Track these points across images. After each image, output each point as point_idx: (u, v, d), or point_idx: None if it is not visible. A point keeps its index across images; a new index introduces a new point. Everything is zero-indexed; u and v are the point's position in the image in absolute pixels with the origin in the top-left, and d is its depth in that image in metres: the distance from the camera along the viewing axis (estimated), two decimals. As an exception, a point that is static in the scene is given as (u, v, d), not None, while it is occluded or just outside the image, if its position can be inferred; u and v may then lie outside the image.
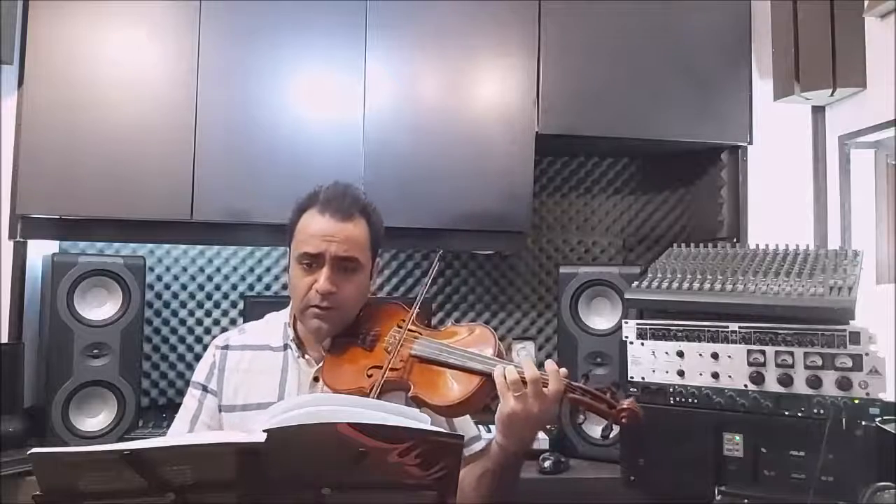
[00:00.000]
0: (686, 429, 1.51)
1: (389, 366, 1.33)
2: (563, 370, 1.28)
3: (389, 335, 1.41)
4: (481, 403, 1.31)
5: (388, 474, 0.94)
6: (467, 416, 1.46)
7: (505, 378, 1.24)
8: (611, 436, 1.37)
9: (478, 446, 1.46)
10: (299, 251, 1.39)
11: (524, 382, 1.24)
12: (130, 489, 0.89)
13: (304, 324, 1.43)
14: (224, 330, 2.29)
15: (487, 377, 1.28)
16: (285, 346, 1.46)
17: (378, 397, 1.27)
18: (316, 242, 1.37)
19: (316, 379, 1.41)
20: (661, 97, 2.31)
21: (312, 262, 1.38)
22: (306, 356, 1.44)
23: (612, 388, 1.31)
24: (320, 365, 1.41)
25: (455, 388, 1.30)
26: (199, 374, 1.46)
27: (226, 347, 1.47)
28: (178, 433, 1.41)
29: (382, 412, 1.03)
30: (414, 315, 1.40)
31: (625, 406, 1.27)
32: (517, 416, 1.24)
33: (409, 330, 1.39)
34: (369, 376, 1.35)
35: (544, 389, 1.24)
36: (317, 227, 1.39)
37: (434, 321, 2.56)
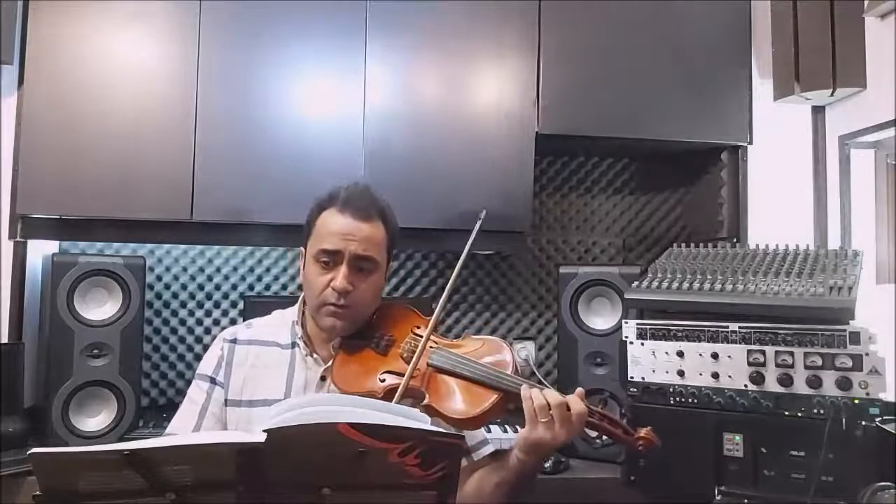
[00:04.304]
0: (686, 429, 1.51)
1: (410, 374, 1.31)
2: (579, 391, 1.29)
3: (405, 341, 1.41)
4: (496, 418, 1.31)
5: (388, 474, 0.94)
6: None
7: (533, 405, 1.25)
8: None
9: (486, 450, 1.46)
10: (318, 248, 1.40)
11: (549, 406, 1.24)
12: (130, 489, 0.89)
13: (319, 322, 1.42)
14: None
15: (504, 393, 1.28)
16: (293, 344, 1.45)
17: None
18: (335, 240, 1.38)
19: (323, 378, 1.41)
20: (661, 97, 2.31)
21: (330, 259, 1.39)
22: (314, 355, 1.44)
23: (623, 415, 1.32)
24: (329, 364, 1.41)
25: (471, 402, 1.29)
26: (206, 366, 1.45)
27: (234, 341, 1.46)
28: (184, 427, 1.41)
29: (383, 412, 1.02)
30: (433, 324, 1.38)
31: (642, 434, 1.28)
32: (545, 442, 1.26)
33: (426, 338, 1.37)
34: (382, 381, 1.34)
35: (570, 414, 1.24)
36: (337, 226, 1.39)
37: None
